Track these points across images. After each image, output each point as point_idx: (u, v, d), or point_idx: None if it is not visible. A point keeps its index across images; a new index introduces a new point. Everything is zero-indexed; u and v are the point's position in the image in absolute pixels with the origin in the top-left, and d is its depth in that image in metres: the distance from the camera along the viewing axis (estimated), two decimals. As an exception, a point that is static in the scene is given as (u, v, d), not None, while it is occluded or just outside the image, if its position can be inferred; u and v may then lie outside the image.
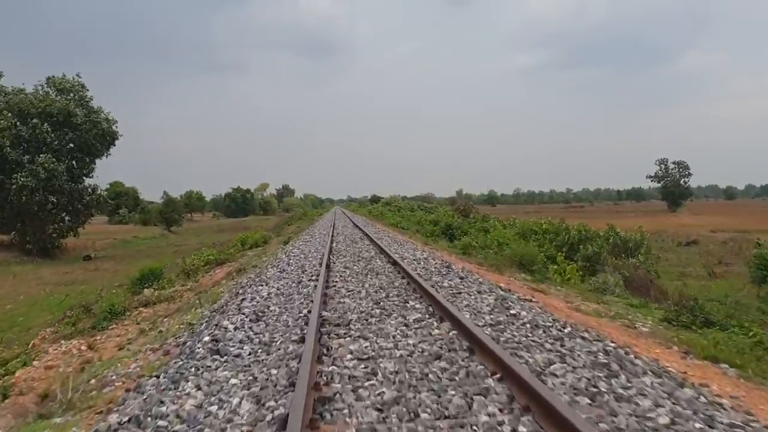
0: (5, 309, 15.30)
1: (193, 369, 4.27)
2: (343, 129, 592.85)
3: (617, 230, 16.95)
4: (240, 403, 3.37)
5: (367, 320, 5.55)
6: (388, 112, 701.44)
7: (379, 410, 3.13)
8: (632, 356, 4.24)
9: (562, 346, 4.48)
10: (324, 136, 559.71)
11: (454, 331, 4.91)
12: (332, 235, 18.52)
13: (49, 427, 3.73)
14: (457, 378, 3.67)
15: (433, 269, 9.54)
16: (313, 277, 8.68)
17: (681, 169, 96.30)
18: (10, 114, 30.57)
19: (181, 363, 4.56)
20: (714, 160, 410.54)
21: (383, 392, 3.37)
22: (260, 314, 6.18)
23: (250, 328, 5.56)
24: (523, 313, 5.80)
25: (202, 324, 6.41)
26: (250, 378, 3.88)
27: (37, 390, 4.89)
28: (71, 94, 32.97)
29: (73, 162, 34.41)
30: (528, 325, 5.24)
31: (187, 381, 3.96)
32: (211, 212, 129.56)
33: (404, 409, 3.11)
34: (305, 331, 4.89)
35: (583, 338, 4.77)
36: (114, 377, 4.80)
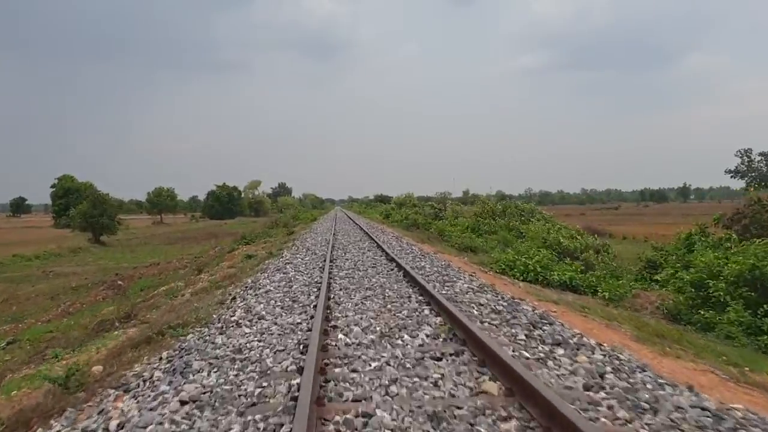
0: None
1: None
2: (345, 129, 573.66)
3: None
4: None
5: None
6: (389, 112, 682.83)
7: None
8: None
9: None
10: (325, 136, 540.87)
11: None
12: None
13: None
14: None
15: None
16: None
17: (769, 162, 77.07)
18: None
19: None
20: (718, 162, 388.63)
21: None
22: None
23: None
24: None
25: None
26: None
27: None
28: None
29: None
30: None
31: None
32: (190, 213, 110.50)
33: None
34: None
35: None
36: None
